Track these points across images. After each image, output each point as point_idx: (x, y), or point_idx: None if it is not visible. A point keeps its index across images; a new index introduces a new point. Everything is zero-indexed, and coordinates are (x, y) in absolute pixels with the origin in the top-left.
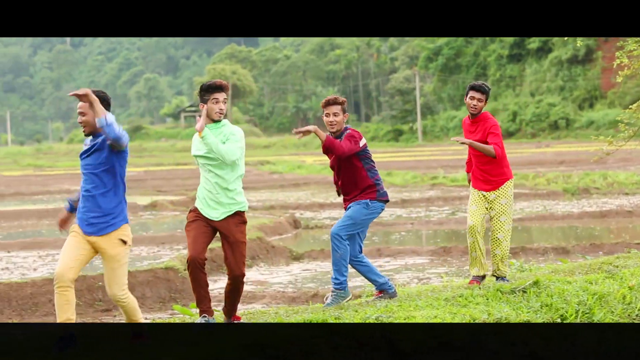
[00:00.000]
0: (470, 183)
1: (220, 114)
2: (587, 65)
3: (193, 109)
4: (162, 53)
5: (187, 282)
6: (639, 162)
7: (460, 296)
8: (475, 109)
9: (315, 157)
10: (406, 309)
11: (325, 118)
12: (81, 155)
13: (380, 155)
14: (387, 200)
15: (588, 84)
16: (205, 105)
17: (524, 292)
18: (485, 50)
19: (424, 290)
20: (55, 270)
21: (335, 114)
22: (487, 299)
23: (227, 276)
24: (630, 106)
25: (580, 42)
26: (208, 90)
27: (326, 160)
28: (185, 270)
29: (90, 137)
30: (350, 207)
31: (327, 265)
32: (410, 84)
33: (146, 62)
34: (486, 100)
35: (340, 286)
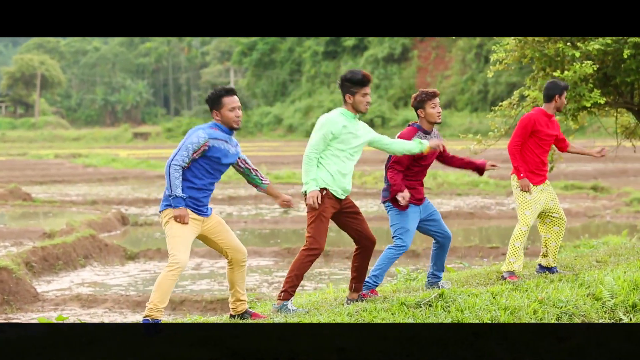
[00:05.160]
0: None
1: (368, 106)
2: (403, 64)
3: (0, 98)
4: None
5: (21, 284)
6: None
7: (364, 310)
8: None
9: (129, 151)
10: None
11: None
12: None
13: None
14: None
15: (403, 83)
16: (353, 97)
17: (430, 305)
18: (301, 46)
19: (315, 301)
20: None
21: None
22: (393, 314)
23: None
24: (500, 104)
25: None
26: (359, 83)
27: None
28: (19, 270)
29: None
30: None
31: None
32: (225, 78)
33: None
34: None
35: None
